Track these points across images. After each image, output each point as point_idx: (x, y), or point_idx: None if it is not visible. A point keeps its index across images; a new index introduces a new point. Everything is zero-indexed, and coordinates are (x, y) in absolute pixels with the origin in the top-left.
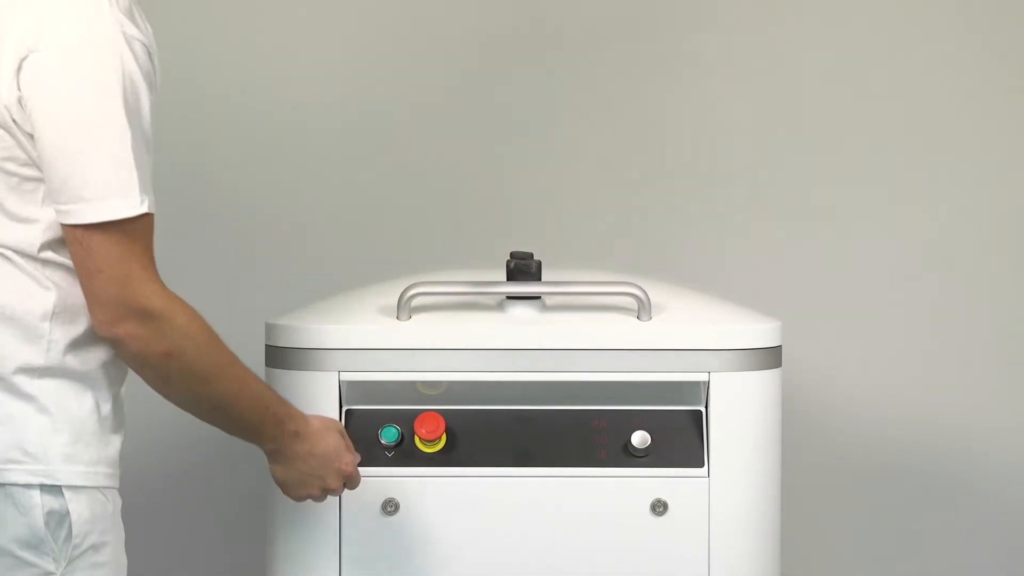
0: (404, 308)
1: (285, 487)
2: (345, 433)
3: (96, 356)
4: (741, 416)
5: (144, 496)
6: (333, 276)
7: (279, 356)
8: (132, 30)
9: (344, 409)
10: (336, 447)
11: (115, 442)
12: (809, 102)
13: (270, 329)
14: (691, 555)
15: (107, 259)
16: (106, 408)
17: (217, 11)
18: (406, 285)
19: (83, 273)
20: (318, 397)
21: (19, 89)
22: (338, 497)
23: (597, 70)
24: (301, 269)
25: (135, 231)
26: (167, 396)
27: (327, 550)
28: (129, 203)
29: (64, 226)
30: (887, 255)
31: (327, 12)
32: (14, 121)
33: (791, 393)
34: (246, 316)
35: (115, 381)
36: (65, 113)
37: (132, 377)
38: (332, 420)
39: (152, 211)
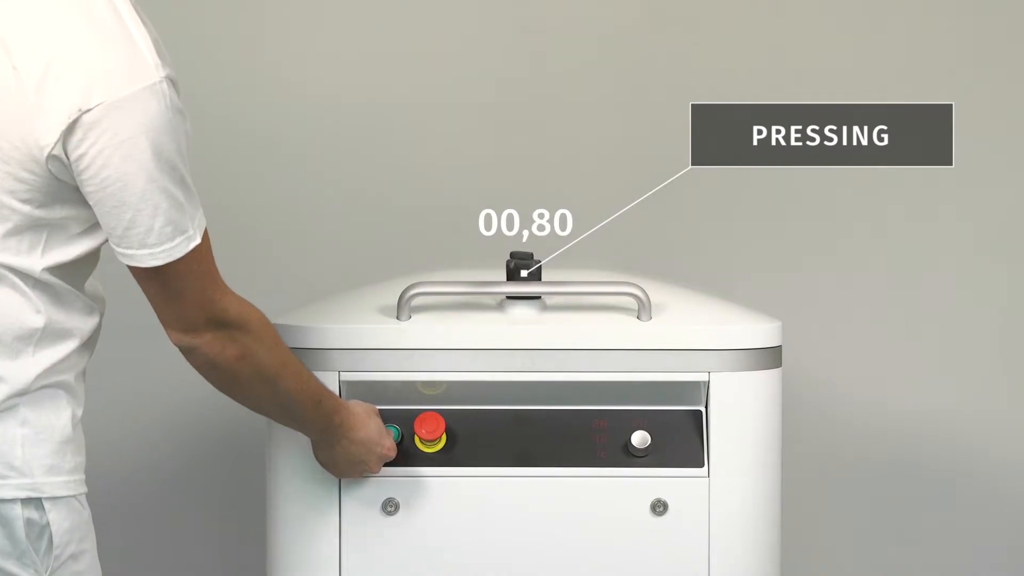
0: (404, 308)
1: (328, 468)
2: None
3: (74, 369)
4: (741, 416)
5: (144, 496)
6: (333, 276)
7: None
8: (168, 70)
9: None
10: (377, 432)
11: (83, 447)
12: (809, 101)
13: None
14: (691, 555)
15: (182, 288)
16: (79, 414)
17: (218, 11)
18: (406, 285)
19: (159, 302)
20: None
21: (65, 148)
22: (338, 496)
23: (597, 68)
24: (301, 269)
25: (200, 254)
26: (234, 396)
27: (327, 550)
28: (189, 236)
29: (130, 266)
30: (887, 255)
31: (328, 12)
32: (51, 171)
33: (791, 393)
34: None
35: (83, 386)
36: (122, 167)
37: (124, 380)
38: (370, 405)
39: (204, 226)
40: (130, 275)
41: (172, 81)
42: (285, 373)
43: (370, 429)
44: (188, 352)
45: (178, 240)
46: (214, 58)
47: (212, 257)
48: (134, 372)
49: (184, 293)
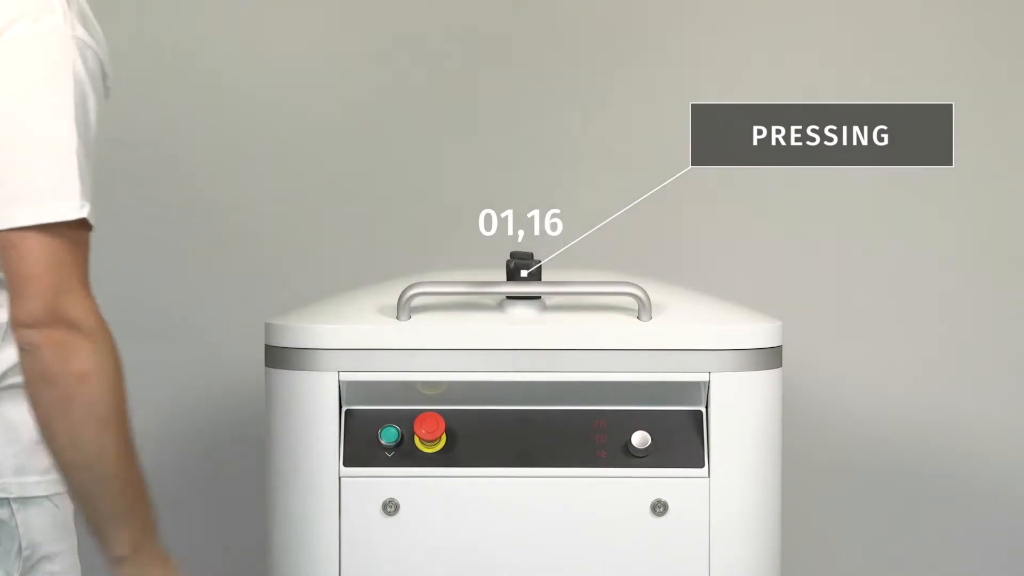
0: (404, 308)
1: None
2: None
3: None
4: (741, 416)
5: None
6: (333, 276)
7: (279, 356)
8: (83, 34)
9: (344, 409)
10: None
11: None
12: (809, 101)
13: (270, 329)
14: (691, 555)
15: (41, 264)
16: None
17: (217, 10)
18: (406, 285)
19: (14, 280)
20: (318, 397)
21: None
22: (338, 496)
23: (597, 68)
24: (301, 269)
25: (74, 239)
26: (53, 434)
27: (327, 550)
28: (70, 206)
29: None
30: (887, 255)
31: (327, 12)
32: None
33: (791, 393)
34: (246, 316)
35: None
36: (10, 111)
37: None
38: None
39: (92, 222)
40: (126, 274)
41: (92, 50)
42: (119, 422)
43: (176, 569)
44: (28, 351)
45: (59, 205)
46: (213, 57)
47: (87, 259)
48: (132, 371)
49: (40, 275)
